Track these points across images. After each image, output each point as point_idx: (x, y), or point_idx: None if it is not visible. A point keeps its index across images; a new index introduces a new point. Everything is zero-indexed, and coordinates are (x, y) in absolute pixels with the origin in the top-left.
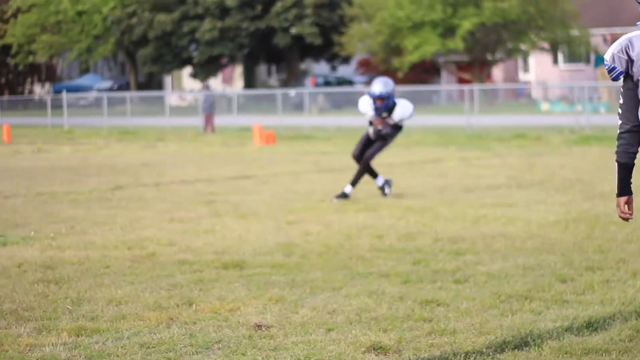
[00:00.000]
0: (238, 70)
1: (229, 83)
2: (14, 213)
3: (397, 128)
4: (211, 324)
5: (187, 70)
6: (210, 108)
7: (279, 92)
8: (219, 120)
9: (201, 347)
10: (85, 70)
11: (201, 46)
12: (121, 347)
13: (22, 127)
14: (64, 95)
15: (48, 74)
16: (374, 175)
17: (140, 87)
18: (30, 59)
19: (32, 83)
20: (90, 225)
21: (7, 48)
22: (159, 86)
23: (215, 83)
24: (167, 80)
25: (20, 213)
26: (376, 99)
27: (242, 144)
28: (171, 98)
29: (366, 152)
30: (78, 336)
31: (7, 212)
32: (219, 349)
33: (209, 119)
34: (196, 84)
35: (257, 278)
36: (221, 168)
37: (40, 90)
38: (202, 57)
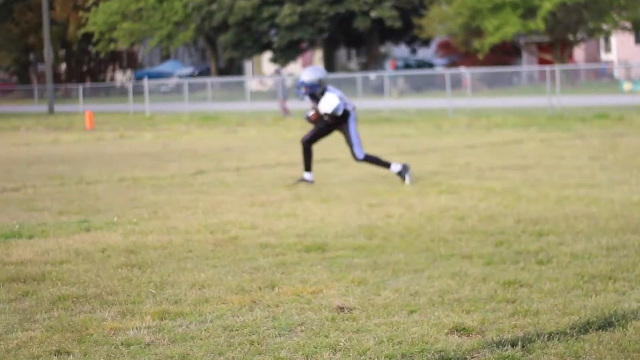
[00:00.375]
0: (318, 55)
1: None
2: (97, 199)
3: (337, 117)
4: (294, 307)
5: (267, 55)
6: (283, 92)
7: (359, 75)
8: (301, 104)
9: (284, 329)
10: (166, 57)
11: (281, 31)
12: (204, 330)
13: (104, 113)
14: (146, 82)
15: (129, 61)
16: (307, 168)
17: (221, 72)
18: (112, 46)
19: (113, 70)
20: (173, 210)
21: (88, 36)
22: (239, 71)
23: (295, 67)
24: (248, 65)
25: (103, 199)
26: (300, 85)
27: None
28: (251, 83)
29: (350, 149)
30: (162, 320)
31: (90, 198)
32: (302, 331)
33: (284, 102)
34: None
35: (340, 261)
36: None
37: (122, 77)
38: (282, 41)
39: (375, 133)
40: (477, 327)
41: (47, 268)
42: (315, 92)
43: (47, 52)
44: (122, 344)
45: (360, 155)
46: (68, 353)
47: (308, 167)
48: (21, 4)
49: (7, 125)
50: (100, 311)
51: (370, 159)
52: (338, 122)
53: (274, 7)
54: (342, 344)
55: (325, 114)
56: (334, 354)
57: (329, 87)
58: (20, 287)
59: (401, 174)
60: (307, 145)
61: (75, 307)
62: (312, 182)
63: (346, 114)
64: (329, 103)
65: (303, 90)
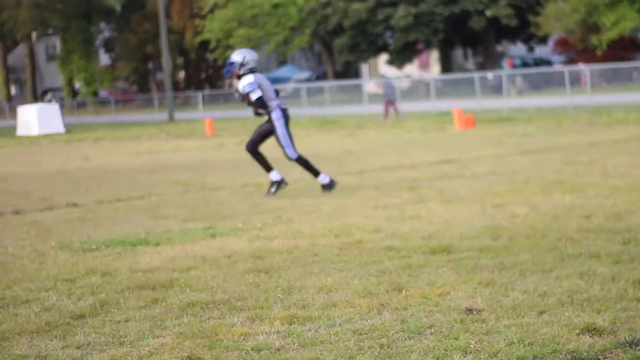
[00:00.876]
0: (434, 55)
1: (426, 68)
2: (221, 205)
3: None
4: (422, 309)
5: (383, 57)
6: (388, 95)
7: (476, 75)
8: (417, 106)
9: (413, 332)
10: (282, 62)
11: (396, 33)
12: (334, 334)
13: (223, 120)
14: None
15: None
16: (267, 168)
17: (338, 76)
18: (229, 53)
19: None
20: (297, 215)
21: (205, 44)
22: (356, 74)
23: (412, 69)
24: (364, 68)
25: (227, 205)
26: (227, 63)
27: (441, 129)
28: (369, 86)
29: (282, 150)
30: (290, 324)
31: (214, 204)
32: (431, 334)
33: (388, 105)
34: (393, 71)
35: (466, 262)
36: (423, 153)
37: None
38: (398, 43)
39: (496, 133)
40: (609, 327)
41: (175, 275)
42: (234, 70)
43: (166, 60)
44: (252, 349)
45: (293, 155)
46: (199, 359)
47: (269, 168)
48: (138, 13)
49: (130, 134)
50: (229, 317)
51: (301, 162)
52: (269, 120)
53: (389, 9)
54: (472, 346)
55: (250, 100)
56: (464, 356)
57: (256, 73)
58: (150, 294)
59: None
60: (253, 149)
61: (204, 313)
62: (284, 181)
63: (268, 108)
64: (242, 83)
65: (230, 68)
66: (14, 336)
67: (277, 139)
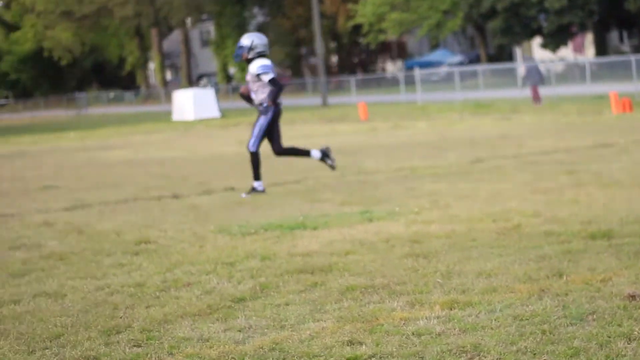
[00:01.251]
0: (589, 38)
1: (580, 51)
2: (377, 189)
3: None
4: (583, 295)
5: (537, 40)
6: (533, 79)
7: (633, 58)
8: (572, 89)
9: (575, 318)
10: (434, 46)
11: (550, 15)
12: (494, 320)
13: (376, 104)
14: (417, 72)
15: (399, 51)
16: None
17: (491, 59)
18: (381, 37)
19: (384, 61)
20: (453, 199)
21: (358, 28)
22: (510, 58)
23: (566, 52)
24: (518, 51)
25: (383, 189)
26: (237, 46)
27: (598, 113)
28: (522, 69)
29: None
30: (451, 309)
31: (370, 188)
32: (594, 320)
33: (535, 90)
34: (547, 54)
35: (627, 247)
36: (579, 137)
37: (392, 68)
38: (552, 26)
39: None
40: None
41: (333, 259)
42: (243, 54)
43: (319, 45)
44: (413, 334)
45: (252, 148)
46: (360, 343)
47: (306, 153)
48: None
49: (283, 118)
50: (389, 301)
51: (254, 160)
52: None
53: None
54: (636, 332)
55: (260, 76)
56: (628, 343)
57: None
58: (309, 278)
59: (253, 190)
60: (282, 150)
61: (364, 297)
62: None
63: (267, 106)
64: (256, 64)
65: (239, 51)
66: (177, 319)
67: (253, 127)
